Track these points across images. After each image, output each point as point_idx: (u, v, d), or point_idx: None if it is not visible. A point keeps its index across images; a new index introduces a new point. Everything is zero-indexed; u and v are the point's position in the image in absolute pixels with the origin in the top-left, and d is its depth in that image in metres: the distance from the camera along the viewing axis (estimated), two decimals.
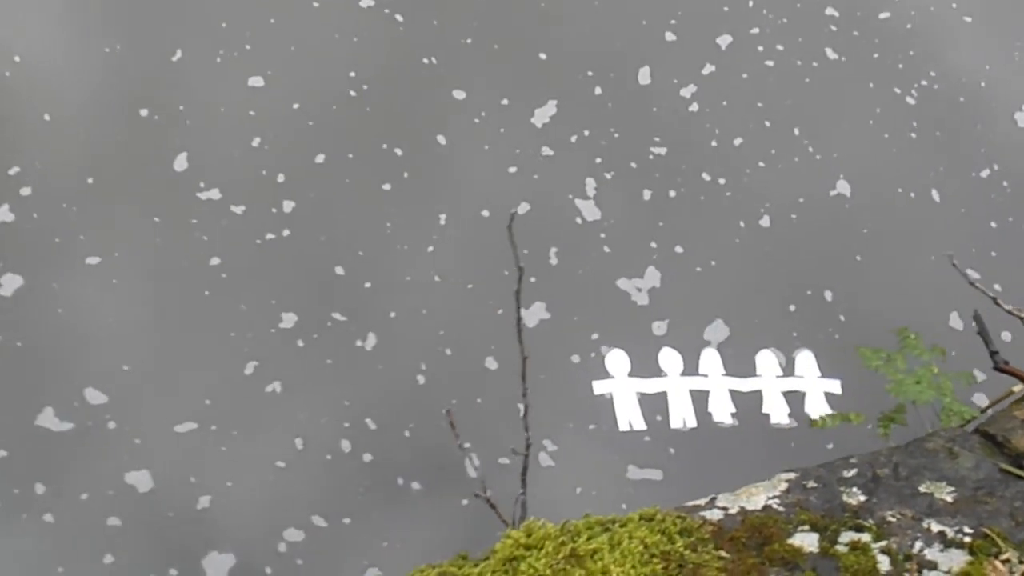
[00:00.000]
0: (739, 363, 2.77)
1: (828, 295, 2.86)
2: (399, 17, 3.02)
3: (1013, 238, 2.93)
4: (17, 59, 2.79)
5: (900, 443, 1.78)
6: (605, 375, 2.71)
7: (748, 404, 2.73)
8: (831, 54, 3.13)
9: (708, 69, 3.06)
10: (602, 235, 2.81)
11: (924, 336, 2.78)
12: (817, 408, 2.74)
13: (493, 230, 2.79)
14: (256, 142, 2.82)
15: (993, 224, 2.95)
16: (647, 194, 2.86)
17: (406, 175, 2.83)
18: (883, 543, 1.50)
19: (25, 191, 2.69)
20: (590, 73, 3.01)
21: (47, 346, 2.54)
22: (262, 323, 2.62)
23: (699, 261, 2.84)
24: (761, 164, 2.95)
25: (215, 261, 2.68)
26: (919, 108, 3.08)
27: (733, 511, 1.57)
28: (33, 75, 2.80)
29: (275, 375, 2.57)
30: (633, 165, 2.90)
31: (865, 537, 1.51)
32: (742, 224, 2.89)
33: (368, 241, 2.74)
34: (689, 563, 1.47)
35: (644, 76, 3.03)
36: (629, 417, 2.68)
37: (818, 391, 2.75)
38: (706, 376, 2.74)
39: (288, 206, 2.76)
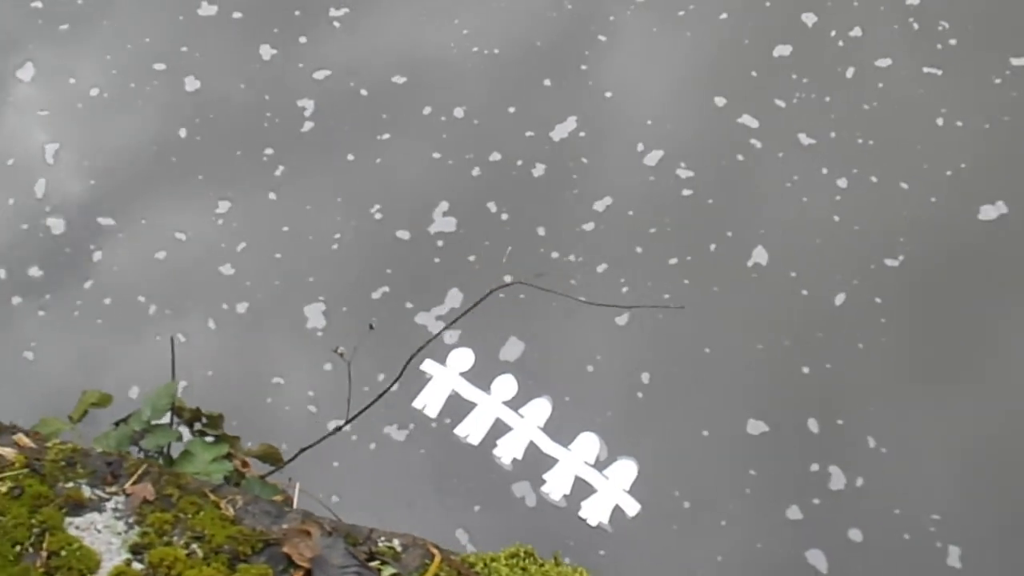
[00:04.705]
0: (564, 432, 2.76)
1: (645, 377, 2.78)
2: None
3: None
4: None
5: None
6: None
7: (538, 462, 2.73)
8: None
9: None
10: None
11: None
12: (596, 513, 2.68)
13: None
14: None
15: None
16: None
17: None
18: None
19: None
20: None
21: None
22: None
23: None
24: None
25: None
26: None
27: None
28: None
29: None
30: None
31: None
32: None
33: None
34: None
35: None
36: (428, 401, 2.78)
37: (611, 500, 2.69)
38: (522, 417, 2.76)
39: None
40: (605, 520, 2.67)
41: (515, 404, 2.79)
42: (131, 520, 1.49)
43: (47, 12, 3.34)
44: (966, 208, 2.95)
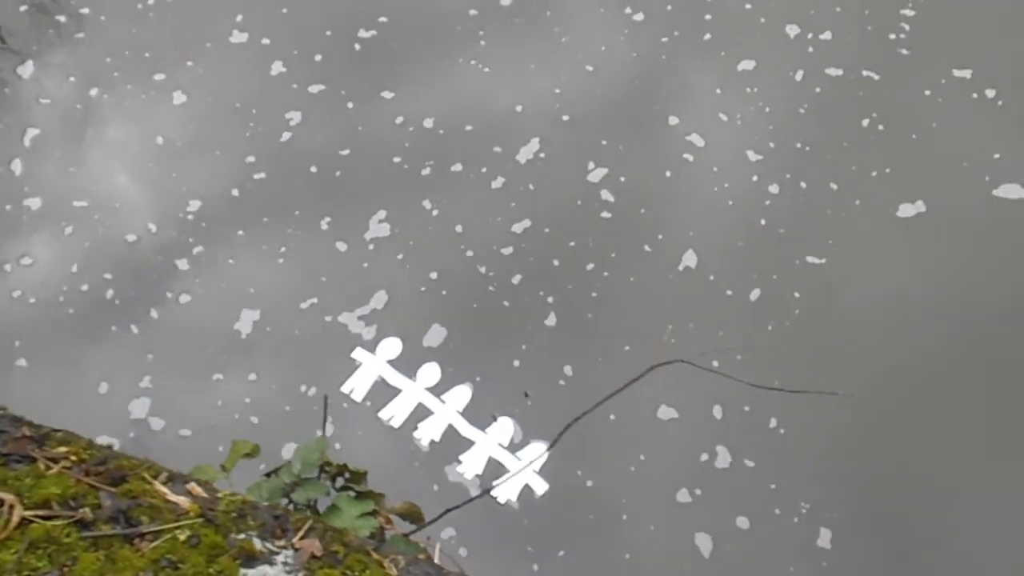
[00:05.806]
0: (479, 414, 2.92)
1: (568, 370, 2.93)
2: None
3: None
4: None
5: None
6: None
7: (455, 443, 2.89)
8: None
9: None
10: None
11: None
12: (507, 492, 2.82)
13: None
14: None
15: None
16: None
17: None
18: None
19: None
20: None
21: None
22: None
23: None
24: None
25: None
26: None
27: None
28: None
29: None
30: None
31: None
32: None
33: None
34: None
35: None
36: (356, 385, 2.96)
37: (521, 480, 2.83)
38: (443, 403, 2.93)
39: None
40: (514, 498, 2.81)
41: (438, 390, 2.95)
42: (300, 575, 1.53)
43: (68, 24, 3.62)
44: (886, 207, 3.04)
